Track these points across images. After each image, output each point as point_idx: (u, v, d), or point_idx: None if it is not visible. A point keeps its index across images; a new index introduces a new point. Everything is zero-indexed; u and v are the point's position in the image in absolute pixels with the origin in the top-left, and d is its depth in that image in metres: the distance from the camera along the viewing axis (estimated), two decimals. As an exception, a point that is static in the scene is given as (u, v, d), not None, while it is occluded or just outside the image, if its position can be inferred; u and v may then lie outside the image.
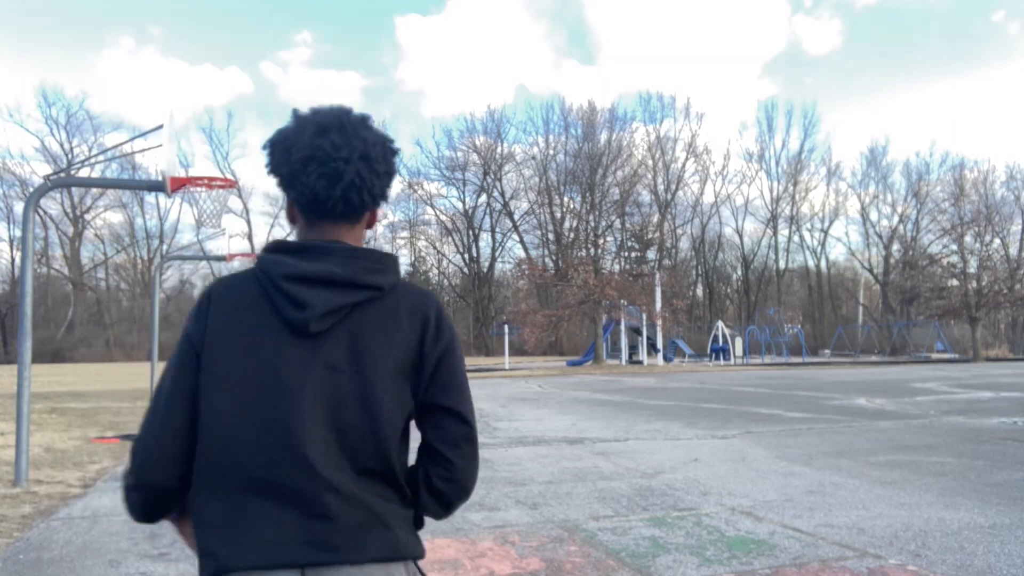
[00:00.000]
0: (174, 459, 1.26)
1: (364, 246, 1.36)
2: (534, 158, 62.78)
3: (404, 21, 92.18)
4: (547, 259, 59.95)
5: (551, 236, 62.68)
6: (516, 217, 64.81)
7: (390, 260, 1.34)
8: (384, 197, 1.38)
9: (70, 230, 56.08)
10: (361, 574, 1.20)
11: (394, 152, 1.37)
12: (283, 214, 1.54)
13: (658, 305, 38.70)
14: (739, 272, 67.62)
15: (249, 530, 1.19)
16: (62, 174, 9.24)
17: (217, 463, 1.23)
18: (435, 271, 67.47)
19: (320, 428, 1.23)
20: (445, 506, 1.35)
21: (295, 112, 1.35)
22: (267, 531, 1.19)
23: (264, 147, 1.35)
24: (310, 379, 1.24)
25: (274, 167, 1.34)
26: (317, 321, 1.24)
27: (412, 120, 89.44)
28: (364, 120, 1.35)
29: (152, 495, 1.29)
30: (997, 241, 51.14)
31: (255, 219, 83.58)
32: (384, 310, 1.30)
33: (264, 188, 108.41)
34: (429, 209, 65.73)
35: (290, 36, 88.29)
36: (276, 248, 1.31)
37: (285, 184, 1.33)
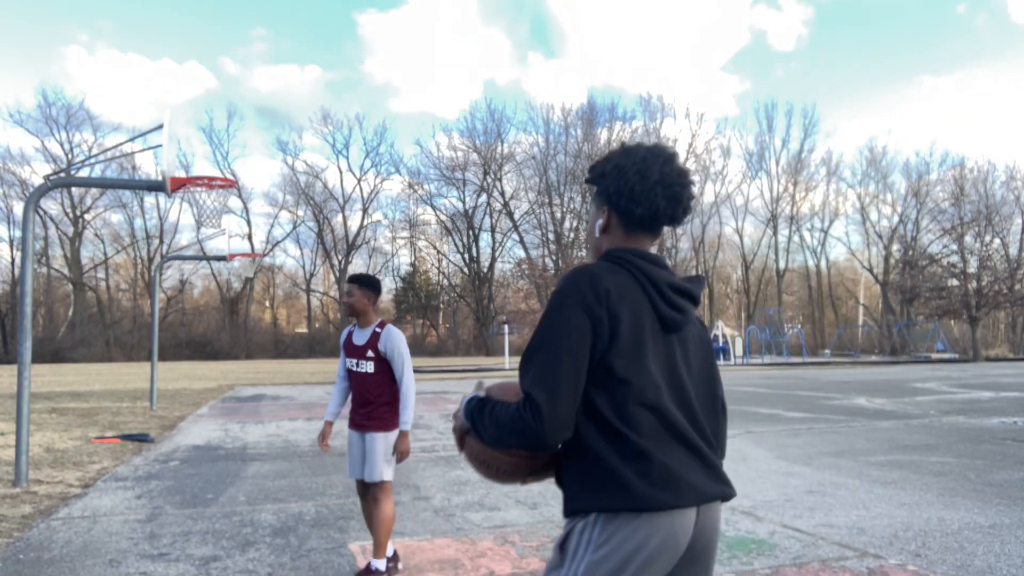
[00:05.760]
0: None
1: None
2: (534, 158, 62.77)
3: (364, 17, 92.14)
4: (547, 259, 59.92)
5: (551, 236, 62.65)
6: (516, 217, 64.80)
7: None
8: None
9: (70, 230, 56.08)
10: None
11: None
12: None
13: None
14: (739, 272, 67.62)
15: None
16: (62, 174, 9.24)
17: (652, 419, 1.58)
18: (435, 271, 67.46)
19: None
20: None
21: (625, 145, 1.70)
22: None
23: (608, 172, 1.68)
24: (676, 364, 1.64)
25: (624, 187, 1.65)
26: (685, 325, 1.67)
27: (383, 113, 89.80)
28: (680, 157, 1.72)
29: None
30: (997, 241, 51.12)
31: (255, 219, 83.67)
32: (694, 320, 1.74)
33: (263, 188, 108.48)
34: (429, 209, 65.73)
35: (245, 32, 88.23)
36: (641, 256, 1.65)
37: (630, 201, 1.65)
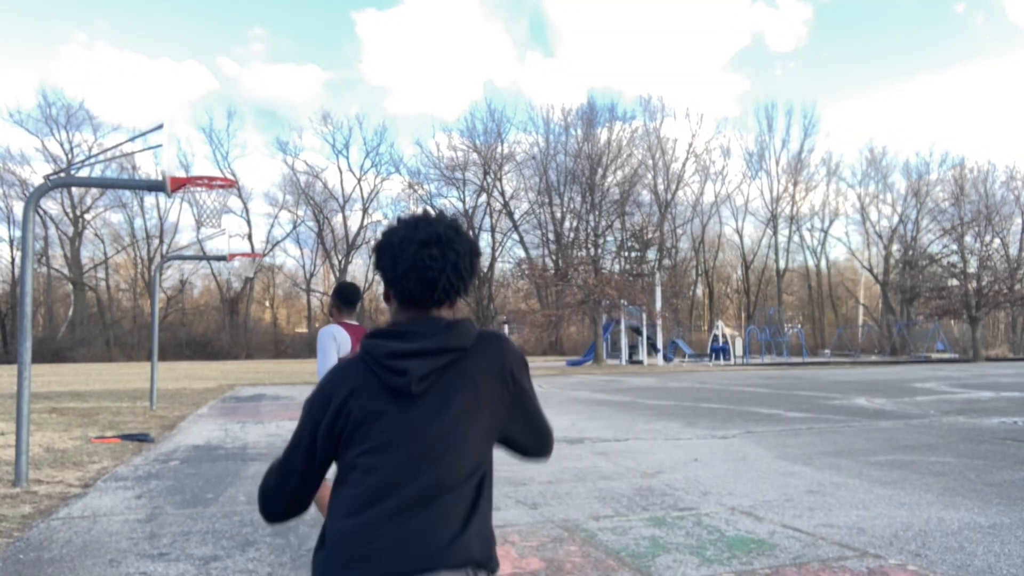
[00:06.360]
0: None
1: (444, 316, 1.65)
2: (534, 158, 62.80)
3: (361, 16, 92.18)
4: (547, 259, 59.94)
5: (551, 236, 62.70)
6: (516, 217, 64.84)
7: (469, 324, 1.64)
8: (467, 292, 1.67)
9: (70, 230, 56.12)
10: None
11: (478, 256, 1.67)
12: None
13: (658, 305, 38.72)
14: (739, 272, 67.66)
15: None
16: (62, 174, 9.24)
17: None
18: (435, 271, 67.42)
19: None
20: None
21: (400, 220, 1.64)
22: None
23: (373, 250, 1.65)
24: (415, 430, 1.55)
25: (381, 270, 1.63)
26: (416, 384, 1.54)
27: (382, 113, 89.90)
28: (457, 232, 1.62)
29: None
30: (997, 241, 51.14)
31: (255, 219, 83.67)
32: (469, 364, 1.60)
33: (263, 188, 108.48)
34: (429, 209, 65.72)
35: (243, 31, 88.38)
36: (378, 334, 1.61)
37: (388, 283, 1.62)
